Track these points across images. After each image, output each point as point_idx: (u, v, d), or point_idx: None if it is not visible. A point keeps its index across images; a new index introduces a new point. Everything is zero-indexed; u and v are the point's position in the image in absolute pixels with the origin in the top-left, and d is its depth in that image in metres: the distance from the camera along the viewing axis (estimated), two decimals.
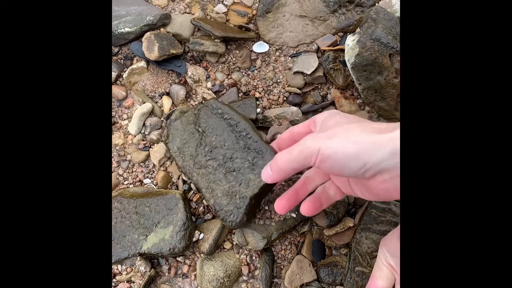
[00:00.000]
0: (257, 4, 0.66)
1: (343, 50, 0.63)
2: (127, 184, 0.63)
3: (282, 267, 0.61)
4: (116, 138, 0.64)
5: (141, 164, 0.63)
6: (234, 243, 0.61)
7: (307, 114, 0.65)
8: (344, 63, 0.62)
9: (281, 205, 0.51)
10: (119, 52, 0.66)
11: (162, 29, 0.65)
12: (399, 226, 0.50)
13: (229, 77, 0.66)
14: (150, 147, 0.64)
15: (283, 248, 0.61)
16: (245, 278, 0.60)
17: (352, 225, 0.59)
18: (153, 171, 0.63)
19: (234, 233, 0.61)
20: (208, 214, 0.61)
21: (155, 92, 0.65)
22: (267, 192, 0.55)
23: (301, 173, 0.57)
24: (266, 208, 0.60)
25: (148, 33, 0.63)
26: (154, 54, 0.62)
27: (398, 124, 0.39)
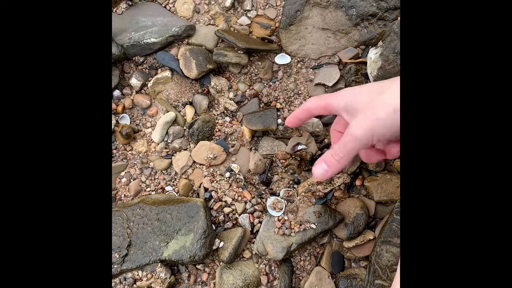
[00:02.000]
0: (280, 17, 0.67)
1: (365, 63, 0.63)
2: (149, 191, 0.64)
3: (301, 278, 0.61)
4: (140, 146, 0.65)
5: (163, 171, 0.64)
6: (254, 252, 0.61)
7: (327, 125, 0.65)
8: (366, 75, 0.63)
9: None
10: (144, 62, 0.67)
11: (191, 40, 0.67)
12: None
13: (251, 87, 0.67)
14: (173, 155, 0.65)
15: (302, 259, 0.61)
16: None
17: (372, 237, 0.59)
18: (175, 179, 0.64)
19: (253, 243, 0.61)
20: (228, 223, 0.61)
21: (179, 102, 0.67)
22: None
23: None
24: (286, 218, 0.60)
25: (182, 49, 0.65)
26: (193, 72, 0.64)
27: None
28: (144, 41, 0.65)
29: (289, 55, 0.67)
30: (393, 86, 0.44)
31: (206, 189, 0.63)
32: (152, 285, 0.58)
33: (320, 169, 0.47)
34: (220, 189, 0.63)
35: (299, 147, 0.62)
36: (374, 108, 0.43)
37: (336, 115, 0.55)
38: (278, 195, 0.63)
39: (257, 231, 0.61)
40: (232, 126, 0.66)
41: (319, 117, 0.65)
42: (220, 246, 0.59)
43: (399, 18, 0.64)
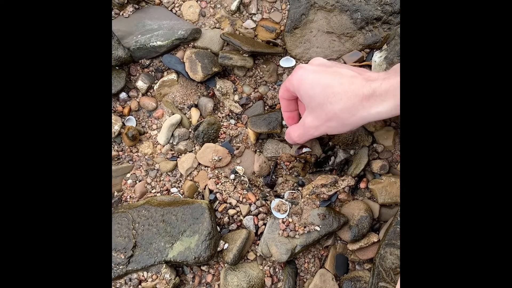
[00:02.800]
0: (285, 20, 0.68)
1: (369, 66, 0.63)
2: (155, 192, 0.64)
3: (305, 280, 0.61)
4: (145, 148, 0.66)
5: (168, 173, 0.65)
6: (258, 254, 0.61)
7: None
8: None
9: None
10: (151, 65, 0.68)
11: (196, 43, 0.67)
12: None
13: (255, 90, 0.68)
14: (178, 157, 0.65)
15: (306, 261, 0.61)
16: None
17: (376, 240, 0.59)
18: (180, 181, 0.65)
19: (258, 244, 0.61)
20: (233, 225, 0.62)
21: (184, 104, 0.67)
22: None
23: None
24: (290, 220, 0.60)
25: (188, 52, 0.66)
26: (199, 75, 0.64)
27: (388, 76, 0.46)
28: (151, 44, 0.66)
29: (294, 58, 0.67)
30: (345, 92, 0.48)
31: (211, 191, 0.63)
32: (157, 286, 0.59)
33: (288, 139, 0.61)
34: (225, 191, 0.63)
35: (304, 150, 0.62)
36: (326, 115, 0.50)
37: None
38: (283, 197, 0.63)
39: (262, 233, 0.61)
40: (237, 129, 0.66)
41: None
42: (224, 248, 0.60)
43: None
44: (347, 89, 0.48)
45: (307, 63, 0.67)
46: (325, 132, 0.53)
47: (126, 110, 0.66)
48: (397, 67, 0.47)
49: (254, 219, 0.62)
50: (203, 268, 0.61)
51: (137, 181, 0.65)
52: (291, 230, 0.60)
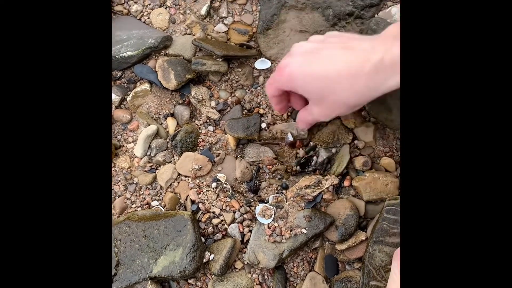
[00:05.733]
0: (257, 22, 0.67)
1: None
2: (135, 207, 0.62)
3: (295, 285, 0.60)
4: (122, 162, 0.64)
5: (148, 186, 0.63)
6: (245, 262, 0.60)
7: (311, 128, 0.64)
8: None
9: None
10: (122, 76, 0.66)
11: (168, 51, 0.66)
12: None
13: (232, 95, 0.66)
14: (157, 169, 0.64)
15: (295, 265, 0.60)
16: None
17: (364, 238, 0.58)
18: (161, 193, 0.63)
19: (245, 252, 0.60)
20: (217, 234, 0.60)
21: (160, 114, 0.65)
22: None
23: None
24: (276, 225, 0.59)
25: (160, 61, 0.64)
26: (172, 83, 0.63)
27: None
28: (121, 55, 0.64)
29: (269, 59, 0.66)
30: (345, 79, 0.44)
31: (193, 201, 0.62)
32: None
33: (299, 126, 0.58)
34: (207, 200, 0.62)
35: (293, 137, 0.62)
36: (333, 105, 0.47)
37: None
38: (267, 202, 0.62)
39: (248, 240, 0.60)
40: (216, 135, 0.65)
41: None
42: (210, 259, 0.58)
43: (376, 15, 0.64)
44: (347, 73, 0.43)
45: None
46: (338, 115, 0.52)
47: None
48: (389, 30, 0.44)
49: (239, 226, 0.60)
50: (190, 281, 0.60)
51: (116, 197, 0.63)
52: (277, 235, 0.58)
